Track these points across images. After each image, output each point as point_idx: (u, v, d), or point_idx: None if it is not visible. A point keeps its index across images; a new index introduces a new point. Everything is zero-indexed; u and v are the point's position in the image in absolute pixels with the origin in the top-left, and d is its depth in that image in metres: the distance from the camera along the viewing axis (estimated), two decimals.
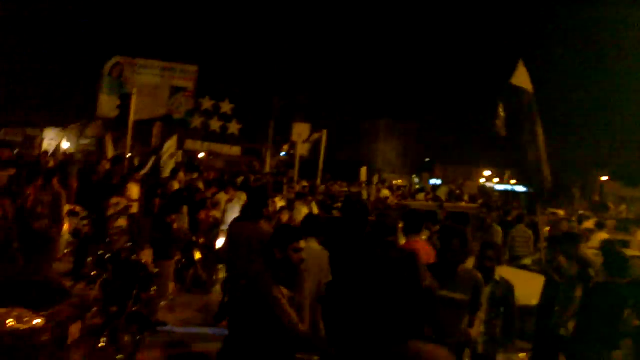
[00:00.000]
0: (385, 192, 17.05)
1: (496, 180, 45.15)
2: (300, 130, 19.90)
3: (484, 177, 46.02)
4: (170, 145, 11.61)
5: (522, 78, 7.44)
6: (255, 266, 5.20)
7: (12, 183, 8.05)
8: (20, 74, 25.81)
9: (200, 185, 11.65)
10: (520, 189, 38.22)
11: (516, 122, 7.46)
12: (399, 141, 62.68)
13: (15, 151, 17.08)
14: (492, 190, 35.69)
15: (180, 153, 18.21)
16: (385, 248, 4.52)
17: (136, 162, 14.39)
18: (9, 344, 4.23)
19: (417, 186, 27.14)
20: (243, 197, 9.88)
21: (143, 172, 9.94)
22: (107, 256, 6.02)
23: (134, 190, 8.79)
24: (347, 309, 2.19)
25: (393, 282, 2.00)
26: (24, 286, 4.94)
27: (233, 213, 9.27)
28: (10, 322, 4.33)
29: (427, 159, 59.22)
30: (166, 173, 10.58)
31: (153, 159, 10.53)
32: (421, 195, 19.42)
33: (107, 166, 11.61)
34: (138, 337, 5.54)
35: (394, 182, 27.28)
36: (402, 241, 5.46)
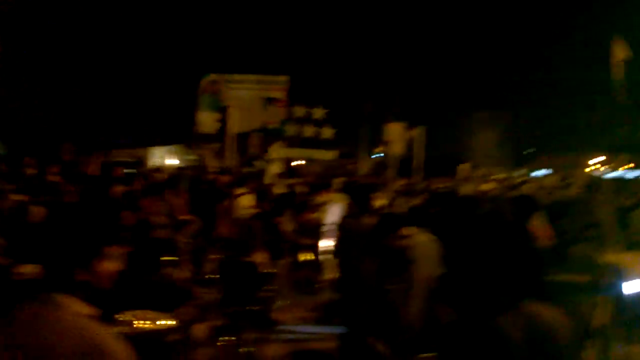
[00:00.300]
0: (491, 185, 16.49)
1: (607, 166, 42.35)
2: (394, 129, 19.74)
3: (593, 164, 43.31)
4: (274, 151, 11.92)
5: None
6: (366, 265, 5.21)
7: (127, 197, 8.56)
8: (126, 99, 27.67)
9: (300, 189, 11.88)
10: (635, 173, 35.58)
11: None
12: (497, 133, 60.55)
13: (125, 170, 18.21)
14: (601, 177, 33.44)
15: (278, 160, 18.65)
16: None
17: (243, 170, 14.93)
18: (144, 343, 4.46)
19: (522, 179, 26.04)
20: (342, 198, 10.00)
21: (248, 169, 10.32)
22: (222, 260, 6.27)
23: (247, 198, 9.19)
24: (461, 285, 2.16)
25: (506, 243, 2.05)
26: (153, 289, 5.21)
27: (333, 214, 9.48)
28: (141, 323, 4.58)
29: (529, 150, 56.57)
30: (268, 179, 10.89)
31: (258, 165, 10.92)
32: (527, 187, 18.57)
33: (213, 177, 12.18)
34: (258, 336, 5.68)
35: (495, 175, 26.29)
36: None
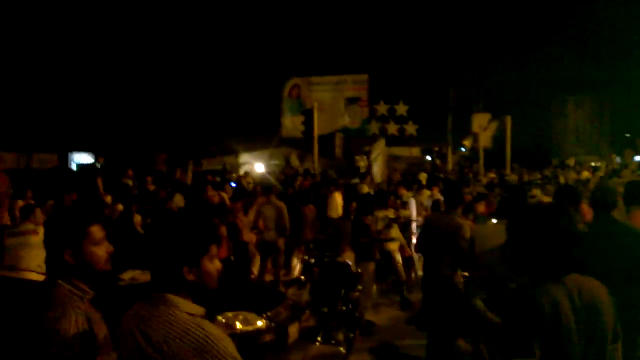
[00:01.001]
0: (586, 174, 15.61)
1: None
2: (481, 121, 19.18)
3: None
4: (379, 149, 11.90)
5: None
6: (444, 261, 5.11)
7: (224, 204, 8.88)
8: (214, 110, 28.71)
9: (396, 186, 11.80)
10: None
11: None
12: (592, 118, 57.09)
13: (217, 178, 18.89)
14: None
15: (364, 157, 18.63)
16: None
17: (333, 174, 15.08)
18: (239, 344, 4.60)
19: (617, 166, 24.41)
20: (427, 193, 9.89)
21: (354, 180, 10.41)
22: (312, 260, 6.36)
23: (338, 198, 9.35)
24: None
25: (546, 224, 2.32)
26: (247, 291, 5.37)
27: (421, 210, 9.43)
28: (238, 324, 4.73)
29: (627, 134, 52.75)
30: (378, 178, 10.86)
31: (365, 163, 10.96)
32: (626, 172, 17.40)
33: (300, 180, 12.39)
34: (351, 335, 5.71)
35: (592, 163, 24.80)
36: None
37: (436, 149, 26.04)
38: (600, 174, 16.33)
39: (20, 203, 7.04)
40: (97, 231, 2.40)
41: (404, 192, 10.65)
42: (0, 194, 6.49)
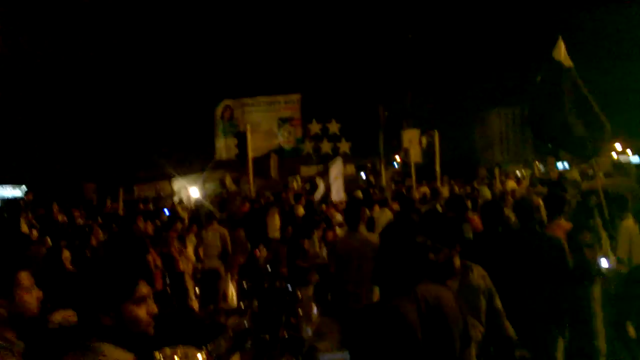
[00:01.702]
0: (511, 184, 16.27)
1: (630, 152, 41.12)
2: (411, 136, 19.68)
3: (615, 150, 42.05)
4: (335, 167, 11.85)
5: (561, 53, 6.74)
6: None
7: (158, 233, 8.68)
8: (144, 134, 28.05)
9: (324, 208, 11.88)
10: None
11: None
12: (513, 128, 59.89)
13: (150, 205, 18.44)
14: (629, 164, 32.81)
15: (298, 178, 18.70)
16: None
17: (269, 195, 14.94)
18: None
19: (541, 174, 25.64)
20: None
21: (317, 196, 10.36)
22: (248, 285, 6.30)
23: (276, 219, 9.31)
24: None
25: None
26: (185, 324, 5.25)
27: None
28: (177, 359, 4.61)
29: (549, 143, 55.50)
30: (338, 197, 10.83)
31: (322, 184, 10.93)
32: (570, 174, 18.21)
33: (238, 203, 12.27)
34: None
35: (517, 172, 25.95)
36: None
37: (369, 165, 26.50)
38: (526, 183, 17.05)
39: None
40: (26, 277, 2.32)
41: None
42: None
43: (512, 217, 6.06)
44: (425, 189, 16.58)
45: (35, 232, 8.23)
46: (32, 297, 2.32)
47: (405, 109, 29.02)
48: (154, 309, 2.06)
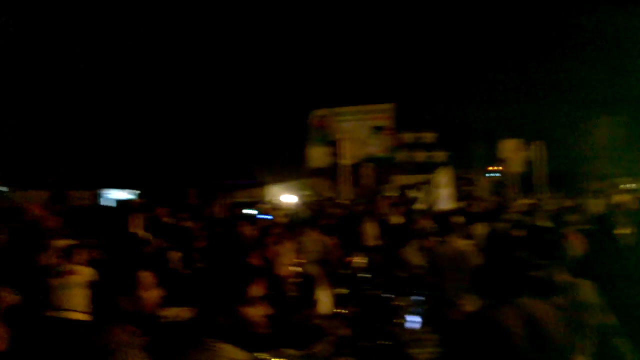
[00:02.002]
0: (620, 197, 15.25)
1: None
2: (511, 146, 19.05)
3: None
4: (444, 176, 11.70)
5: None
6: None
7: (257, 239, 8.88)
8: (241, 143, 29.08)
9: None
10: None
11: None
12: (625, 137, 56.00)
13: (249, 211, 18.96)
14: None
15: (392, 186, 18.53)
16: None
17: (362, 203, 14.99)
18: None
19: None
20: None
21: (418, 204, 10.30)
22: (345, 294, 6.31)
23: (371, 227, 9.31)
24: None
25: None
26: (285, 328, 5.34)
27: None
28: None
29: None
30: (446, 206, 10.71)
31: (424, 192, 10.86)
32: None
33: (332, 210, 12.37)
34: None
35: (627, 185, 24.26)
36: None
37: (465, 176, 25.85)
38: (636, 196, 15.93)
39: (62, 243, 7.16)
40: (147, 277, 2.45)
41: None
42: (49, 233, 6.63)
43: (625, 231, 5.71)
44: (525, 201, 15.92)
45: (145, 234, 8.70)
46: (152, 295, 2.45)
47: (505, 119, 28.06)
48: (269, 309, 2.11)
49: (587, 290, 3.46)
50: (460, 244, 5.60)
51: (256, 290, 2.08)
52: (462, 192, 23.91)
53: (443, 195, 10.79)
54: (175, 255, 7.72)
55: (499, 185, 24.36)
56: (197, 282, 2.21)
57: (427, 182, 11.08)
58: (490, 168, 25.66)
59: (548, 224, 9.85)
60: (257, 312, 2.07)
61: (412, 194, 13.97)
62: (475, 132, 25.26)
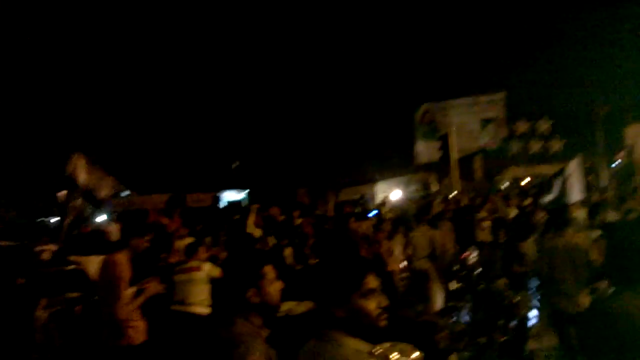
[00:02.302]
0: None
1: None
2: (636, 132, 17.56)
3: None
4: (574, 166, 11.18)
5: None
6: None
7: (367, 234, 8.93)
8: (348, 141, 29.29)
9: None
10: None
11: None
12: None
13: (357, 208, 19.06)
14: None
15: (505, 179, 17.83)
16: None
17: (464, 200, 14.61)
18: None
19: None
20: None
21: (548, 197, 9.96)
22: (460, 287, 6.19)
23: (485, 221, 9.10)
24: None
25: None
26: (398, 322, 5.34)
27: None
28: (394, 355, 4.70)
29: None
30: (577, 198, 10.29)
31: (558, 183, 10.43)
32: None
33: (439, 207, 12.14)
34: None
35: None
36: None
37: (587, 165, 24.18)
38: None
39: (183, 242, 7.64)
40: (270, 271, 2.58)
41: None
42: (171, 234, 7.10)
43: None
44: None
45: (259, 232, 9.05)
46: (275, 288, 2.56)
47: (629, 102, 25.90)
48: (384, 301, 2.12)
49: None
50: (577, 237, 5.27)
51: (370, 282, 2.10)
52: (584, 183, 22.43)
53: (573, 187, 10.14)
54: (288, 252, 7.98)
55: (624, 174, 22.60)
56: (311, 276, 2.28)
57: (559, 174, 10.47)
58: (615, 156, 23.83)
59: None
60: (372, 304, 2.09)
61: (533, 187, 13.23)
62: (596, 118, 23.56)
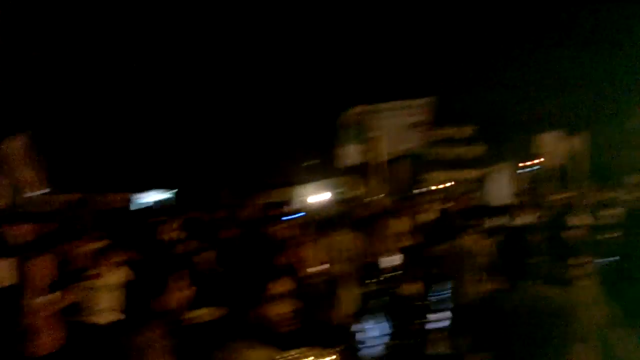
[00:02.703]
0: None
1: None
2: (550, 139, 18.57)
3: None
4: (501, 170, 11.47)
5: None
6: None
7: (287, 237, 8.89)
8: (271, 142, 29.19)
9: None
10: None
11: None
12: None
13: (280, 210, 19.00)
14: None
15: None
16: None
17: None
18: None
19: None
20: None
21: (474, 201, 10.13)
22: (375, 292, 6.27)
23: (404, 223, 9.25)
24: None
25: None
26: (313, 327, 5.33)
27: None
28: None
29: None
30: (501, 202, 10.55)
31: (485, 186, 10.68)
32: None
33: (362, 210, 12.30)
34: None
35: None
36: None
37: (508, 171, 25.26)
38: None
39: (92, 246, 7.29)
40: (178, 278, 2.48)
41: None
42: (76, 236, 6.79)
43: None
44: (566, 195, 15.51)
45: (178, 235, 8.83)
46: (181, 296, 2.47)
47: (543, 110, 27.32)
48: (290, 308, 2.09)
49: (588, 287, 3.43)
50: (472, 240, 5.54)
51: (278, 288, 2.06)
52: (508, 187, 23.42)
53: (498, 190, 10.56)
54: (208, 256, 7.81)
55: (537, 180, 23.83)
56: (222, 282, 2.22)
57: (484, 178, 10.85)
58: (527, 162, 25.11)
59: (585, 218, 9.61)
60: (278, 310, 2.06)
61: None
62: (514, 125, 24.70)
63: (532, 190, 18.79)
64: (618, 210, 9.43)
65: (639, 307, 3.34)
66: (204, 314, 5.38)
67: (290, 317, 2.07)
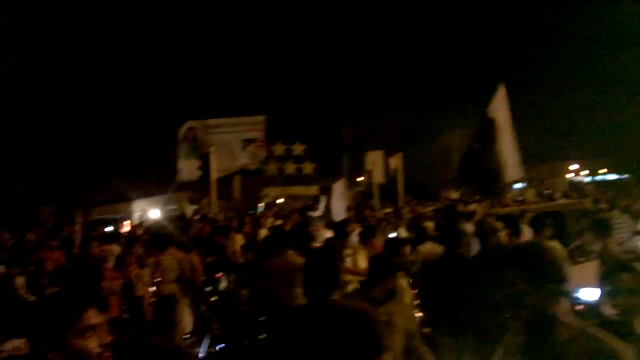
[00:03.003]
0: (474, 206, 16.48)
1: (585, 172, 42.11)
2: (374, 158, 19.89)
3: (570, 171, 42.99)
4: (338, 188, 11.63)
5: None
6: None
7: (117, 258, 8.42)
8: (104, 155, 27.53)
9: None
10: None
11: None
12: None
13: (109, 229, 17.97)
14: (583, 183, 34.00)
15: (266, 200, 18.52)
16: None
17: (220, 217, 14.79)
18: None
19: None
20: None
21: (315, 213, 10.16)
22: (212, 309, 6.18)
23: (239, 240, 9.23)
24: None
25: None
26: (144, 353, 5.10)
27: None
28: None
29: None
30: (339, 217, 10.65)
31: (324, 201, 10.73)
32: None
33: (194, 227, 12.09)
34: None
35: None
36: None
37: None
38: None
39: None
40: None
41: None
42: None
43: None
44: (388, 209, 16.70)
45: None
46: None
47: (369, 130, 29.28)
48: (106, 338, 1.94)
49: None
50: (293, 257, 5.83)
51: (90, 318, 1.88)
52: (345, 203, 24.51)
53: (336, 206, 10.96)
54: (20, 281, 7.11)
55: (365, 196, 25.38)
56: (30, 311, 2.01)
57: (323, 194, 11.17)
58: (357, 179, 26.63)
59: (403, 232, 10.47)
60: (92, 343, 1.87)
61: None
62: (343, 144, 26.07)
63: (358, 206, 19.94)
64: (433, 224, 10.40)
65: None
66: (16, 346, 4.85)
67: (102, 350, 1.91)
